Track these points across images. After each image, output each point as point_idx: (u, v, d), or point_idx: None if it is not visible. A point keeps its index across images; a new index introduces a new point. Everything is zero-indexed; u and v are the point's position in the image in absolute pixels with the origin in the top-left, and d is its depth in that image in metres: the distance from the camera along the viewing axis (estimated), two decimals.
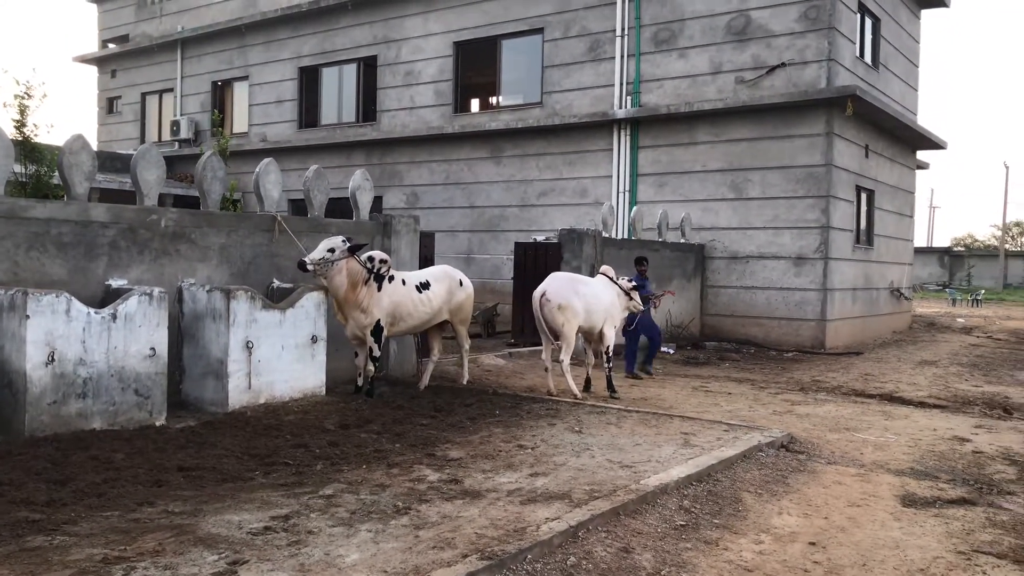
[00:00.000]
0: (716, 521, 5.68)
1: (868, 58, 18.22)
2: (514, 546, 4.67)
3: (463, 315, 10.33)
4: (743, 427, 8.36)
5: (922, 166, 23.10)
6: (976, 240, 74.79)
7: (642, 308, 10.94)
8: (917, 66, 21.68)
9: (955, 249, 60.50)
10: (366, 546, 4.66)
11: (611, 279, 10.57)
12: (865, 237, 18.46)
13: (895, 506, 6.24)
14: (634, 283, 10.84)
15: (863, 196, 18.13)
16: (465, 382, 10.36)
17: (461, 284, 10.21)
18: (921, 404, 10.67)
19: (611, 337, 10.33)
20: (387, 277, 9.27)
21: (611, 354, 10.39)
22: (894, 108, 18.36)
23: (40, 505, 5.19)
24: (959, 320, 25.31)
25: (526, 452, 7.07)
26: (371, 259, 9.17)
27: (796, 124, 16.29)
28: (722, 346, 16.08)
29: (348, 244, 8.88)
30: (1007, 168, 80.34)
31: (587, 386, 10.51)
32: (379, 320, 9.10)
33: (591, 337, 10.48)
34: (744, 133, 16.82)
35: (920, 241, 58.91)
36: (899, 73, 20.19)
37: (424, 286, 9.71)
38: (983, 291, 41.46)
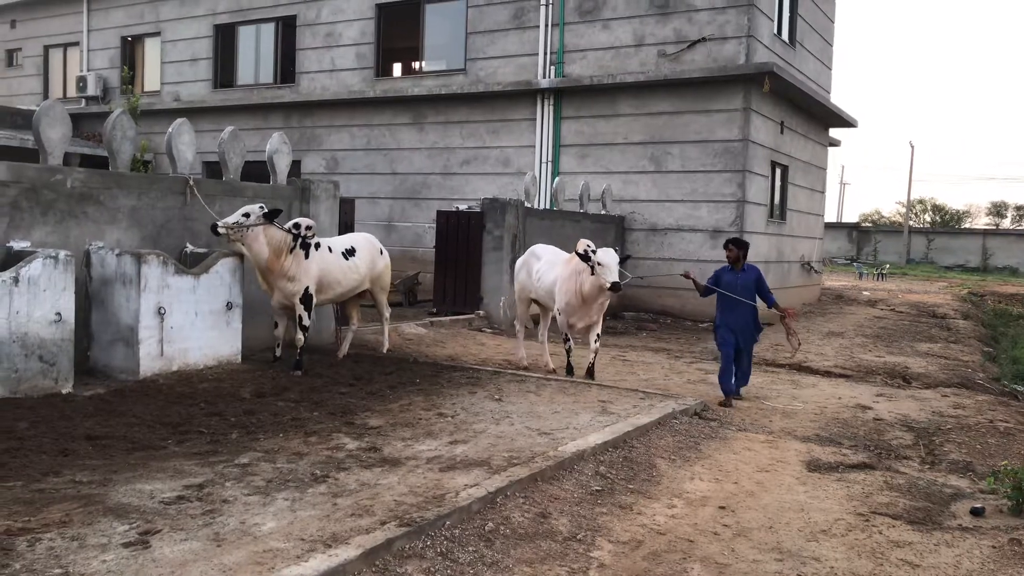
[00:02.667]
0: (631, 486, 5.82)
1: (786, 35, 18.61)
2: (433, 513, 4.70)
3: (383, 283, 10.27)
4: (658, 395, 8.57)
5: (834, 143, 23.82)
6: (883, 216, 77.74)
7: (610, 283, 8.72)
8: (831, 44, 22.26)
9: (863, 225, 62.73)
10: (283, 514, 4.62)
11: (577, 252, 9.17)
12: (779, 211, 18.98)
13: (801, 471, 6.51)
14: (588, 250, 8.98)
15: (777, 171, 18.61)
16: (385, 350, 10.31)
17: (381, 252, 10.17)
18: (827, 373, 11.11)
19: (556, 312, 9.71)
20: (313, 244, 9.08)
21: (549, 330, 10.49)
22: (809, 86, 18.83)
23: None
24: (865, 293, 26.36)
25: (446, 420, 7.09)
26: (297, 226, 8.94)
27: (715, 99, 16.56)
28: (640, 316, 16.38)
29: (264, 211, 8.64)
30: (912, 147, 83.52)
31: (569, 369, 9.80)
32: (308, 288, 8.95)
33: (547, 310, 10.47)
34: (665, 107, 17.02)
35: (830, 216, 60.96)
36: (814, 51, 20.70)
37: (350, 252, 9.60)
38: (888, 266, 43.20)
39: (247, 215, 8.55)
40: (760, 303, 9.23)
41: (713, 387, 9.54)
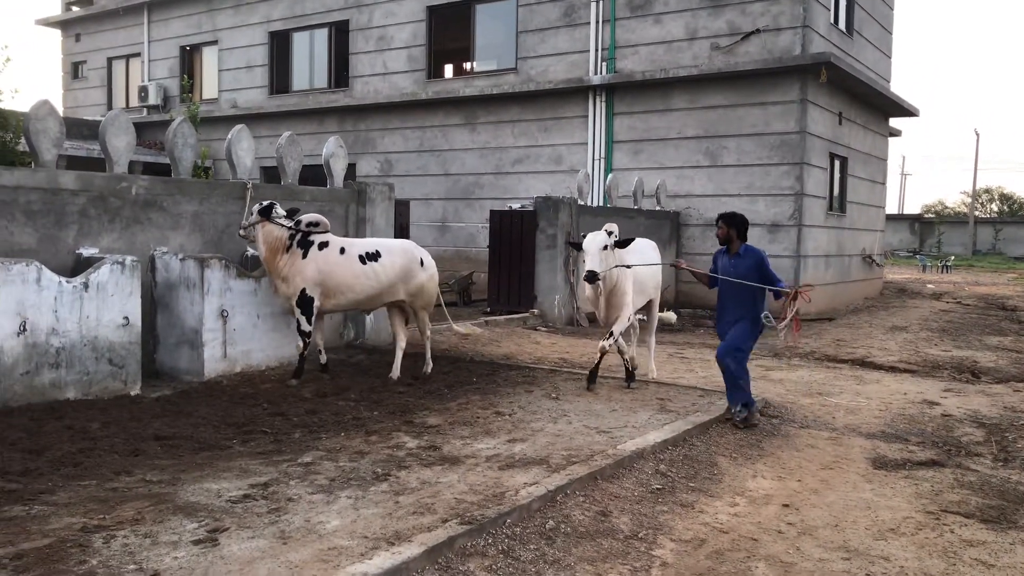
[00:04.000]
0: (692, 484, 5.76)
1: (843, 24, 18.23)
2: (494, 511, 4.71)
3: (424, 300, 9.01)
4: (718, 392, 8.45)
5: (894, 133, 23.26)
6: (946, 207, 75.64)
7: (585, 272, 7.90)
8: (891, 33, 21.74)
9: (926, 216, 61.15)
10: (346, 512, 4.68)
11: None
12: (838, 204, 18.60)
13: (866, 468, 6.36)
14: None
15: (836, 163, 18.24)
16: (427, 371, 9.00)
17: (422, 264, 8.88)
18: (892, 369, 10.85)
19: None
20: (318, 243, 8.34)
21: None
22: (867, 75, 18.42)
23: (16, 475, 5.15)
24: (929, 286, 25.69)
25: (503, 419, 7.11)
26: (298, 222, 8.34)
27: (770, 91, 16.30)
28: (697, 313, 16.20)
29: (262, 206, 8.29)
30: (977, 135, 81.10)
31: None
32: (304, 290, 8.21)
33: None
34: (719, 100, 16.81)
35: (891, 208, 59.57)
36: (873, 40, 20.23)
37: (371, 256, 8.53)
38: (953, 257, 42.02)
39: (251, 212, 8.51)
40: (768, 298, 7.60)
41: (775, 384, 9.40)
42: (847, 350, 12.22)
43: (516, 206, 15.21)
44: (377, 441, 6.25)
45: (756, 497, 5.60)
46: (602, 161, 18.16)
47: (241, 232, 8.52)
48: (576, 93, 18.33)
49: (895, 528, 5.11)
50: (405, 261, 8.79)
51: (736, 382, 7.41)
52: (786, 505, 5.45)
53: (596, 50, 18.10)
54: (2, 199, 7.48)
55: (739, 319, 7.49)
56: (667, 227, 16.97)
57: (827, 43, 16.84)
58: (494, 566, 4.21)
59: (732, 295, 7.52)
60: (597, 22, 18.07)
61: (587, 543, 4.60)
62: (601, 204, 17.26)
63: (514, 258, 14.22)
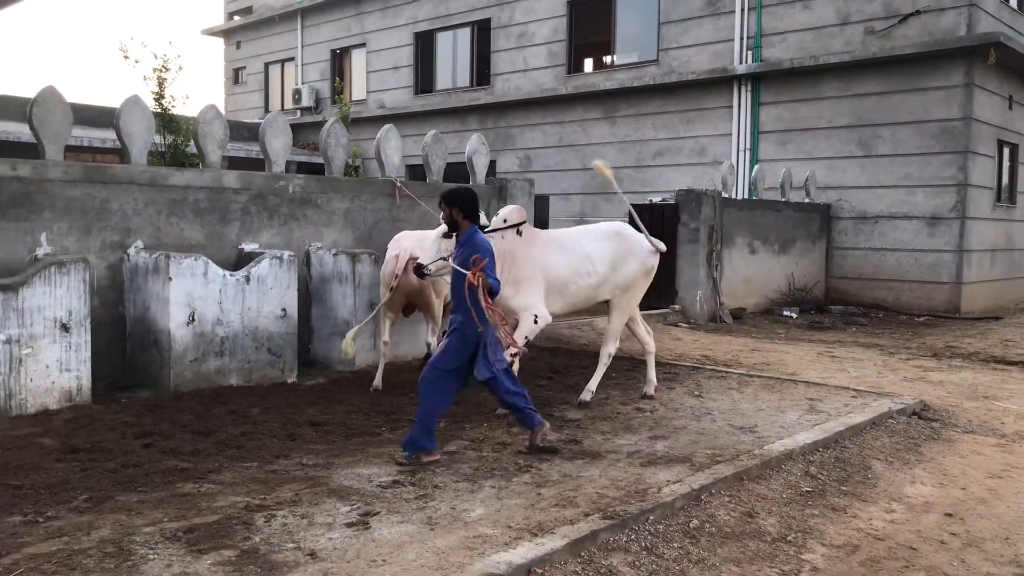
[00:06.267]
0: (844, 488, 5.52)
1: (1013, 2, 16.91)
2: (636, 507, 4.67)
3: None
4: (872, 393, 8.06)
5: None
6: None
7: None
8: None
9: None
10: (490, 502, 4.76)
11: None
12: (1007, 195, 17.29)
13: None
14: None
15: (1006, 151, 16.95)
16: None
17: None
18: None
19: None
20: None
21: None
22: None
23: (187, 455, 5.54)
24: None
25: (644, 415, 7.04)
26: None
27: (931, 76, 15.34)
28: (848, 310, 15.49)
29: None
30: None
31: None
32: None
33: None
34: (873, 87, 15.97)
35: None
36: None
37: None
38: None
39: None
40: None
41: (933, 386, 8.87)
42: (1017, 351, 11.36)
43: (657, 200, 14.99)
44: (519, 433, 6.32)
45: (915, 504, 5.30)
46: (747, 152, 17.63)
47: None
48: (720, 83, 17.87)
49: None
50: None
51: (423, 413, 5.54)
52: (949, 514, 5.13)
53: (741, 39, 17.58)
54: (173, 198, 8.05)
55: (456, 328, 5.64)
56: (817, 220, 16.30)
57: (996, 22, 15.67)
58: (637, 562, 4.17)
59: (456, 292, 5.71)
60: (742, 10, 17.54)
61: (733, 544, 4.49)
62: (747, 197, 16.76)
63: None
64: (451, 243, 6.08)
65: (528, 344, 7.06)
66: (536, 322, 6.99)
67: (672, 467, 5.50)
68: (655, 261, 7.58)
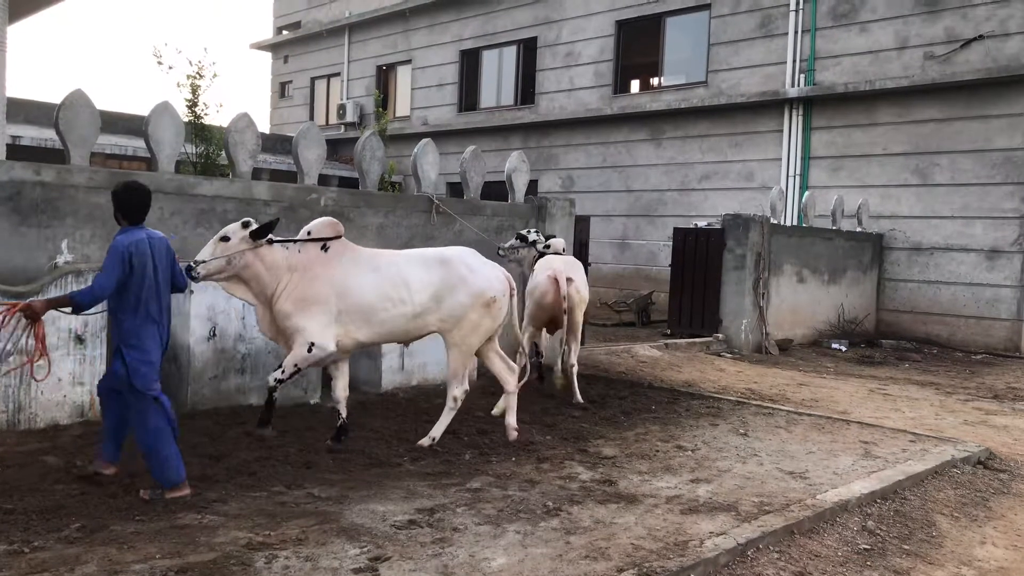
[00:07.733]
0: (906, 547, 4.99)
1: None
2: (675, 563, 4.22)
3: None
4: (932, 438, 7.48)
5: None
6: None
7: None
8: None
9: None
10: (513, 550, 4.34)
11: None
12: None
13: None
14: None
15: None
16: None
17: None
18: None
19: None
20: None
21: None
22: None
23: (195, 479, 5.19)
24: None
25: (686, 454, 6.56)
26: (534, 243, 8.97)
27: (993, 103, 14.67)
28: (900, 345, 14.79)
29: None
30: None
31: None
32: None
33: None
34: (932, 113, 15.34)
35: None
36: None
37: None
38: None
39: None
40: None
41: (998, 431, 8.24)
42: None
43: (702, 224, 14.49)
44: (549, 470, 5.90)
45: (988, 569, 4.76)
46: (797, 178, 17.05)
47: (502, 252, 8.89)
48: (770, 107, 17.34)
49: None
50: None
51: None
52: None
53: (794, 62, 17.05)
54: (201, 208, 7.79)
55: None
56: (868, 250, 15.65)
57: None
58: None
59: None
60: (796, 32, 17.02)
61: None
62: (796, 223, 16.17)
63: (698, 279, 13.51)
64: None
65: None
66: (311, 351, 6.01)
67: (716, 516, 5.03)
68: (498, 294, 6.47)
